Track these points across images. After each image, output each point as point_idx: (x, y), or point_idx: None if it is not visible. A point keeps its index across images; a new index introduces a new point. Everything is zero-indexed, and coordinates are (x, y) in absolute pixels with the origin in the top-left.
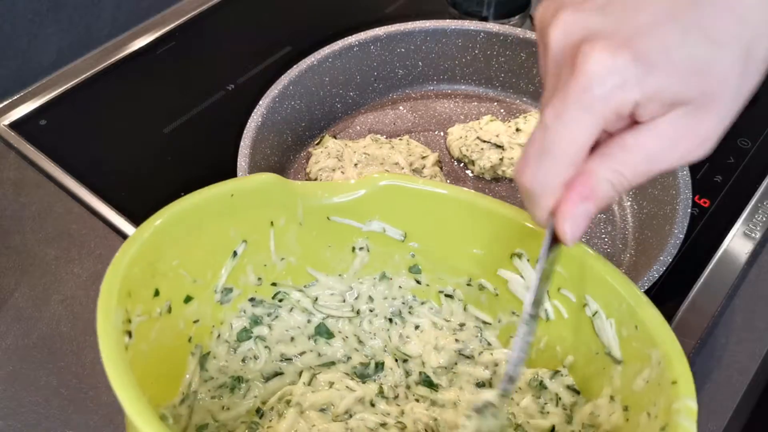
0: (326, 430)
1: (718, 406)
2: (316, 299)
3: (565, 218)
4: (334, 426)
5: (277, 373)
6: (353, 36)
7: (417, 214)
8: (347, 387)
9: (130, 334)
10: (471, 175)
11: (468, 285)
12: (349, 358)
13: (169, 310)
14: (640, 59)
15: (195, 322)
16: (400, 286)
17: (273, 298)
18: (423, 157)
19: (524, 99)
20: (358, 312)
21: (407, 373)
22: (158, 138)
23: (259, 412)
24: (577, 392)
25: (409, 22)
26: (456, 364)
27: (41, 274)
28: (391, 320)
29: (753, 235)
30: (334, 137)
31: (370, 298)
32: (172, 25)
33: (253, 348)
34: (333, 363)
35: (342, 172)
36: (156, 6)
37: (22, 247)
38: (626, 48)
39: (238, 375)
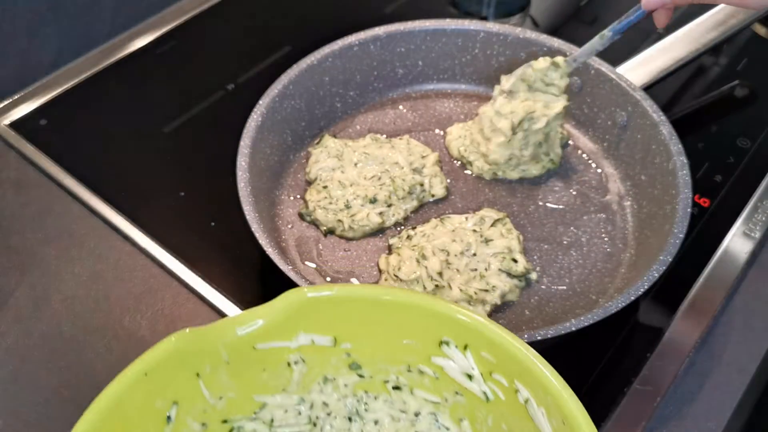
0: None
1: (718, 406)
2: (272, 421)
3: None
4: None
5: None
6: (353, 36)
7: (340, 318)
8: None
9: None
10: (471, 174)
11: (409, 371)
12: None
13: None
14: None
15: None
16: (345, 384)
17: None
18: (423, 157)
19: None
20: (315, 421)
21: None
22: (158, 138)
23: None
24: None
25: (409, 22)
26: None
27: (41, 274)
28: (350, 419)
29: (753, 234)
30: (334, 137)
31: (325, 404)
32: (172, 25)
33: None
34: None
35: (342, 172)
36: (156, 6)
37: (22, 247)
38: None
39: None
